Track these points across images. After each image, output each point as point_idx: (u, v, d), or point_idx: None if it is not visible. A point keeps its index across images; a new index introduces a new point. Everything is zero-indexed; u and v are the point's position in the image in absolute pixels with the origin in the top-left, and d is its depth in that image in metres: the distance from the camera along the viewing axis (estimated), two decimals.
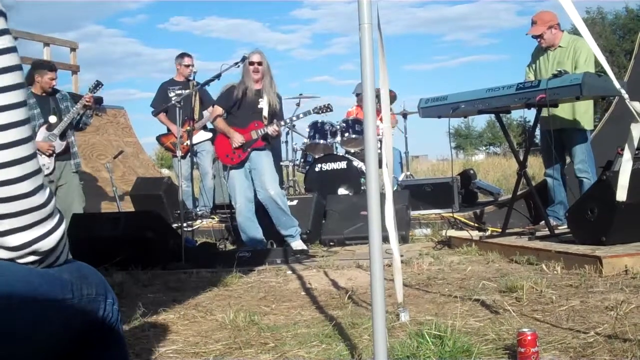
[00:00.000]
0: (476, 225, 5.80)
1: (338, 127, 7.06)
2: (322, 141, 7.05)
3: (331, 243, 5.53)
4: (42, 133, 5.28)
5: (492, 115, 4.98)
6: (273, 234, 5.36)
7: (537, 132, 5.41)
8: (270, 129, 5.18)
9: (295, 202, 5.66)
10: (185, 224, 5.35)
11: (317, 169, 6.66)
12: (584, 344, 2.17)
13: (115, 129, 9.15)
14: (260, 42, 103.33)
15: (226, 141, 5.26)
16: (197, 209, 7.06)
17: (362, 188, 6.33)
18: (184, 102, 5.51)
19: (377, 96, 2.22)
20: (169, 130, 6.93)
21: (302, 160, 7.32)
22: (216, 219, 6.76)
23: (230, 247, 5.77)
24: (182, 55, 7.20)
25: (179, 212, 5.52)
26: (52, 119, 5.37)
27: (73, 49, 9.50)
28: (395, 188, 6.24)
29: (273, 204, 5.17)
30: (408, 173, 8.12)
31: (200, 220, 6.68)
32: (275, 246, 5.23)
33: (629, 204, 3.28)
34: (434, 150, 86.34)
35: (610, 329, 2.31)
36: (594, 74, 4.29)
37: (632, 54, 6.94)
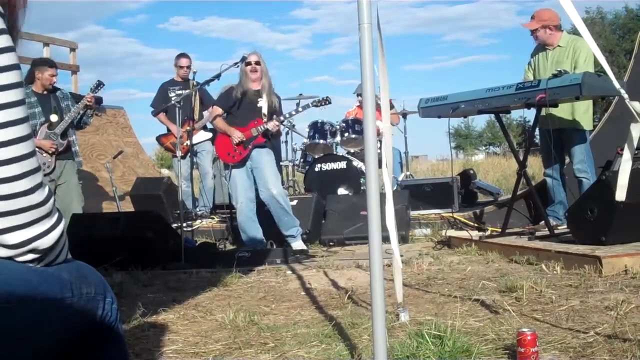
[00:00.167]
0: (476, 225, 5.80)
1: (338, 127, 7.06)
2: (321, 141, 7.06)
3: (331, 243, 5.53)
4: (43, 132, 5.28)
5: (492, 115, 4.98)
6: (273, 234, 5.36)
7: (537, 132, 5.41)
8: (271, 124, 5.19)
9: (295, 202, 5.66)
10: (185, 224, 5.35)
11: (316, 169, 6.66)
12: (583, 344, 2.17)
13: (115, 129, 9.15)
14: (260, 42, 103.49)
15: (227, 140, 5.26)
16: (197, 209, 7.06)
17: (362, 188, 6.33)
18: (183, 102, 5.51)
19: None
20: (169, 130, 6.93)
21: (301, 160, 7.32)
22: (216, 219, 6.76)
23: (230, 247, 5.77)
24: (179, 56, 7.22)
25: (178, 212, 5.52)
26: (54, 117, 5.37)
27: (73, 49, 9.50)
28: (395, 188, 6.24)
29: (275, 203, 5.17)
30: (408, 173, 8.12)
31: (200, 220, 6.69)
32: (275, 246, 5.23)
33: (628, 204, 3.28)
34: (433, 150, 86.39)
35: (610, 329, 2.31)
36: (593, 73, 4.29)
37: (631, 54, 6.94)
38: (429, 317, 2.65)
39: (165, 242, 4.76)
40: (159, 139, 7.17)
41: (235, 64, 5.28)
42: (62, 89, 5.69)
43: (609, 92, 4.40)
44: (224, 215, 6.46)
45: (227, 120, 5.33)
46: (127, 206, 7.13)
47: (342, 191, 6.52)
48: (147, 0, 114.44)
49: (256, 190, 5.32)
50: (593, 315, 2.57)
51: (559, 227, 4.88)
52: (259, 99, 5.28)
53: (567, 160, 5.39)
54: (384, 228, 2.08)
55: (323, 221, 5.84)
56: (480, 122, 53.10)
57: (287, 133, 7.38)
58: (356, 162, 6.64)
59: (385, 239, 2.24)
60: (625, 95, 2.22)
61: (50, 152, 5.28)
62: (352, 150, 7.08)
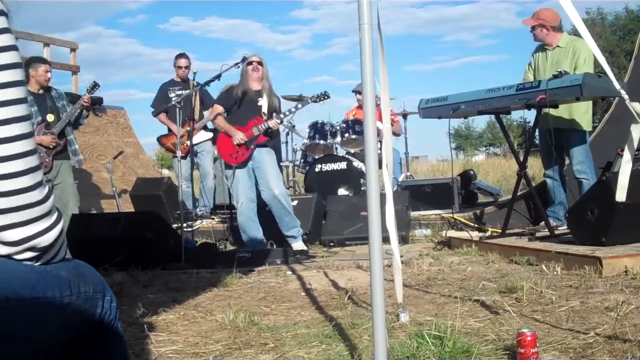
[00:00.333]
0: (476, 225, 5.79)
1: (338, 127, 7.06)
2: (322, 142, 7.05)
3: (331, 243, 5.53)
4: (40, 131, 5.28)
5: (492, 116, 4.98)
6: (273, 235, 5.36)
7: (537, 133, 5.41)
8: (272, 122, 5.20)
9: (295, 203, 5.65)
10: (185, 225, 5.35)
11: (317, 170, 6.66)
12: (583, 345, 2.17)
13: (115, 129, 9.15)
14: (259, 43, 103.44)
15: (228, 140, 5.26)
16: (197, 210, 7.06)
17: (362, 188, 6.33)
18: (184, 102, 5.51)
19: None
20: (169, 130, 6.93)
21: (302, 160, 7.32)
22: (216, 220, 6.76)
23: (230, 247, 5.77)
24: (178, 57, 7.23)
25: (179, 212, 5.52)
26: (50, 117, 5.39)
27: (73, 50, 9.50)
28: (395, 189, 6.23)
29: (277, 203, 5.17)
30: (408, 174, 8.11)
31: (200, 221, 6.68)
32: (275, 247, 5.23)
33: (628, 205, 3.28)
34: (434, 150, 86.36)
35: (610, 329, 2.31)
36: (594, 74, 4.29)
37: (632, 55, 6.94)
38: (429, 318, 2.65)
39: (165, 242, 4.76)
40: (159, 139, 7.18)
41: (236, 64, 5.28)
42: (57, 89, 5.70)
43: (609, 93, 4.40)
44: (224, 216, 6.46)
45: (228, 119, 5.33)
46: (127, 206, 7.12)
47: (342, 192, 6.52)
48: (147, 1, 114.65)
49: (257, 190, 5.32)
50: (593, 316, 2.57)
51: (559, 228, 4.88)
52: (259, 99, 5.29)
53: (567, 161, 5.39)
54: (384, 228, 2.08)
55: (323, 222, 5.84)
56: (480, 122, 53.23)
57: (287, 134, 7.38)
58: (356, 163, 6.64)
59: (386, 239, 2.24)
60: (626, 96, 2.22)
61: (50, 146, 5.28)
62: (352, 151, 7.08)
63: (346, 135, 6.96)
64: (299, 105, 5.58)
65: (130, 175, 8.42)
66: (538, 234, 4.58)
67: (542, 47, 5.27)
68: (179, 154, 5.65)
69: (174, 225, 5.64)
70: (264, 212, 5.35)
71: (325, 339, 2.44)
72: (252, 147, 5.20)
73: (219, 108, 5.37)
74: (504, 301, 2.90)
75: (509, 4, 79.01)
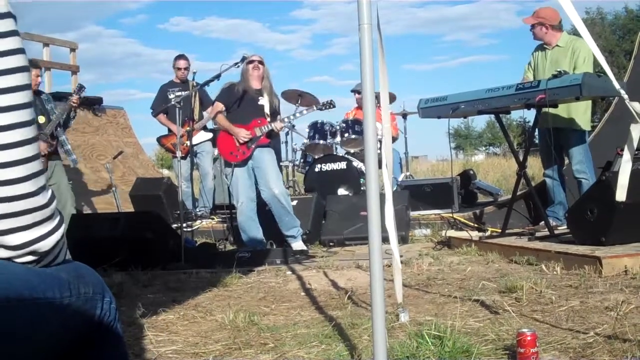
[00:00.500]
0: (476, 225, 5.80)
1: (338, 127, 7.06)
2: (321, 141, 7.05)
3: (331, 243, 5.53)
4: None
5: (492, 116, 4.98)
6: (273, 234, 5.36)
7: (537, 132, 5.41)
8: (279, 125, 5.21)
9: (295, 203, 5.66)
10: (185, 225, 5.35)
11: (316, 170, 6.66)
12: (583, 345, 2.17)
13: (115, 129, 9.15)
14: (259, 43, 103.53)
15: (229, 139, 5.25)
16: (197, 210, 7.06)
17: (362, 188, 6.33)
18: (183, 102, 5.51)
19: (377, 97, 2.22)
20: (169, 131, 6.93)
21: (301, 160, 7.32)
22: (216, 220, 6.76)
23: (229, 247, 5.77)
24: (177, 58, 7.23)
25: (178, 212, 5.52)
26: (41, 119, 5.44)
27: (73, 50, 9.50)
28: (395, 188, 6.23)
29: (277, 203, 5.17)
30: (408, 173, 8.12)
31: (199, 221, 6.68)
32: (275, 246, 5.23)
33: (628, 204, 3.28)
34: (433, 150, 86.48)
35: (610, 329, 2.31)
36: (593, 74, 4.29)
37: (631, 55, 6.94)
38: (428, 318, 2.65)
39: (165, 242, 4.76)
40: (159, 139, 7.17)
41: (236, 64, 5.28)
42: (45, 92, 5.79)
43: (608, 93, 4.40)
44: (224, 216, 6.46)
45: (228, 117, 5.32)
46: (127, 206, 7.12)
47: (342, 191, 6.52)
48: (147, 1, 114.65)
49: (257, 189, 5.32)
50: (593, 315, 2.57)
51: (559, 228, 4.88)
52: (260, 97, 5.28)
53: (567, 160, 5.40)
54: (383, 228, 2.08)
55: (323, 221, 5.84)
56: (480, 122, 53.17)
57: (287, 133, 7.37)
58: (356, 163, 6.64)
59: (385, 239, 2.24)
60: (625, 96, 2.22)
61: (45, 152, 5.31)
62: (352, 151, 7.08)
63: (346, 135, 6.96)
64: (304, 111, 5.59)
65: (130, 175, 8.41)
66: (538, 234, 4.58)
67: (542, 47, 5.28)
68: (178, 154, 5.66)
69: (174, 225, 5.64)
70: (264, 212, 5.34)
71: (325, 339, 2.44)
72: (253, 146, 5.20)
73: (219, 105, 5.35)
74: (504, 301, 2.90)
75: (509, 4, 79.12)
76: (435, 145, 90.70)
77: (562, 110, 4.93)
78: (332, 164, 6.63)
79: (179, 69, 7.13)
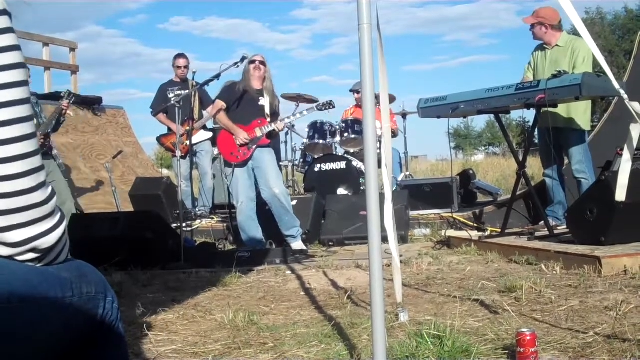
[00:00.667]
0: (475, 225, 5.80)
1: (337, 127, 7.06)
2: (321, 141, 7.05)
3: (330, 243, 5.53)
4: None
5: (492, 116, 4.98)
6: (272, 234, 5.36)
7: (536, 132, 5.41)
8: (280, 125, 5.21)
9: (294, 202, 5.66)
10: (184, 224, 5.35)
11: (316, 169, 6.66)
12: (583, 344, 2.17)
13: (115, 129, 9.15)
14: (259, 43, 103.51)
15: (230, 138, 5.25)
16: (197, 209, 7.06)
17: (362, 188, 6.33)
18: (183, 102, 5.51)
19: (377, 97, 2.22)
20: (169, 130, 6.93)
21: (301, 160, 7.32)
22: (215, 219, 6.76)
23: (229, 247, 5.77)
24: (177, 57, 7.23)
25: (178, 212, 5.52)
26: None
27: (72, 49, 9.50)
28: (394, 188, 6.24)
29: (277, 202, 5.17)
30: (407, 173, 8.12)
31: (199, 221, 6.68)
32: (274, 246, 5.23)
33: (628, 204, 3.28)
34: (433, 150, 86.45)
35: (609, 329, 2.31)
36: (593, 74, 4.29)
37: (631, 54, 6.94)
38: (428, 317, 2.65)
39: (164, 242, 4.76)
40: (159, 139, 7.17)
41: (235, 64, 5.28)
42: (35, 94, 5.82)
43: (608, 93, 4.40)
44: (224, 215, 6.46)
45: (229, 116, 5.31)
46: (127, 206, 7.12)
47: (341, 191, 6.52)
48: (147, 0, 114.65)
49: (257, 189, 5.32)
50: (592, 315, 2.57)
51: (559, 228, 4.88)
52: (260, 98, 5.28)
53: (567, 160, 5.40)
54: (383, 228, 2.08)
55: (323, 221, 5.84)
56: (479, 122, 53.13)
57: (286, 133, 7.38)
58: (356, 162, 6.64)
59: (385, 239, 2.24)
60: (625, 96, 2.22)
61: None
62: (351, 151, 7.07)
63: (345, 134, 6.96)
64: (304, 112, 5.59)
65: (130, 174, 8.41)
66: (537, 234, 4.58)
67: (542, 47, 5.28)
68: (178, 153, 5.65)
69: (174, 225, 5.64)
70: (264, 212, 5.35)
71: (324, 338, 2.44)
72: (253, 147, 5.20)
73: (220, 103, 5.34)
74: (503, 301, 2.90)
75: (509, 4, 79.08)
76: (435, 145, 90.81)
77: (561, 110, 4.93)
78: (332, 163, 6.63)
79: (179, 67, 7.13)
